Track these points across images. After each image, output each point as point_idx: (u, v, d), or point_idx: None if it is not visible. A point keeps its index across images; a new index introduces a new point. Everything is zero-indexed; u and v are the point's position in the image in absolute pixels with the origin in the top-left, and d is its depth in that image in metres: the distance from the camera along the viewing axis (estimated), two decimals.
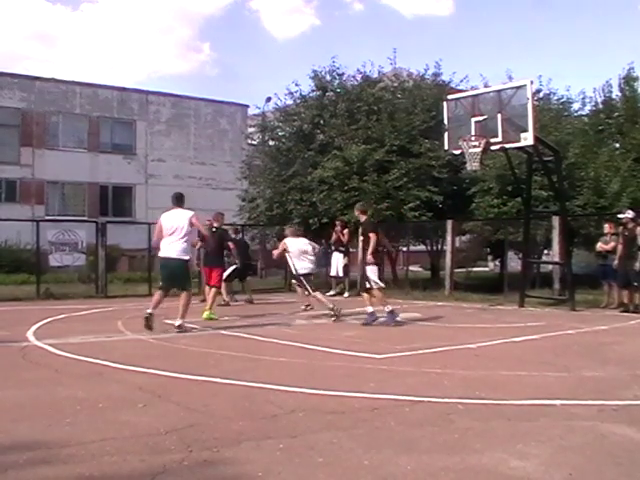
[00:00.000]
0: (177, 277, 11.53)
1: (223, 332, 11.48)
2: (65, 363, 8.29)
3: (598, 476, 4.27)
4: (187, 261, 11.63)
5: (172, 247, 11.33)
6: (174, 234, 11.31)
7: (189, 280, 12.11)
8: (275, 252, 14.62)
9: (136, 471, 4.20)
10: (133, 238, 27.25)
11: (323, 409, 5.78)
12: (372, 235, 12.74)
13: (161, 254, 11.57)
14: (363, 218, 13.57)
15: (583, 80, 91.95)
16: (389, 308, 12.52)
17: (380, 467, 4.30)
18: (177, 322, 11.37)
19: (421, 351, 9.11)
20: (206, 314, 13.60)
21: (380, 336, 11.09)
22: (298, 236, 14.69)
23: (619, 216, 15.34)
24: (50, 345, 9.60)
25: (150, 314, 11.13)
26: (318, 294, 14.14)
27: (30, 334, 10.89)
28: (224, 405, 5.97)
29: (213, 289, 14.31)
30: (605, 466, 4.40)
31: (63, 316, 14.19)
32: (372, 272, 12.77)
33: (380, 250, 13.28)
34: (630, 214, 15.02)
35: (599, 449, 4.74)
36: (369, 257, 12.71)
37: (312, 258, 14.57)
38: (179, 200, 11.79)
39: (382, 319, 12.50)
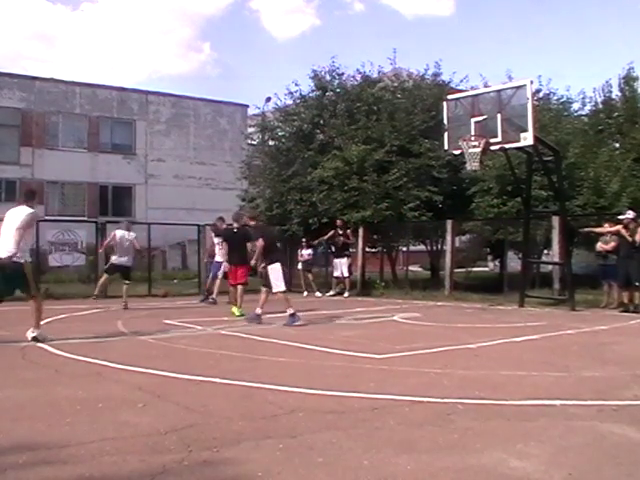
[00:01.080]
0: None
1: (222, 332, 11.48)
2: (65, 363, 8.29)
3: (598, 476, 4.27)
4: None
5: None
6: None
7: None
8: None
9: (136, 471, 4.19)
10: None
11: (323, 409, 5.78)
12: (259, 242, 13.02)
13: None
14: (252, 224, 14.10)
15: (583, 80, 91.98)
16: (291, 311, 12.64)
17: (380, 467, 4.30)
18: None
19: (421, 351, 9.11)
20: (237, 311, 14.20)
21: (380, 336, 11.09)
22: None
23: (619, 217, 15.35)
24: (50, 345, 9.60)
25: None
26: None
27: (30, 334, 10.87)
28: (224, 405, 5.96)
29: (240, 287, 14.69)
30: (605, 466, 4.40)
31: (63, 316, 14.19)
32: (273, 275, 12.90)
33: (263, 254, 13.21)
34: (630, 214, 15.03)
35: (599, 449, 4.74)
36: (267, 260, 13.00)
37: None
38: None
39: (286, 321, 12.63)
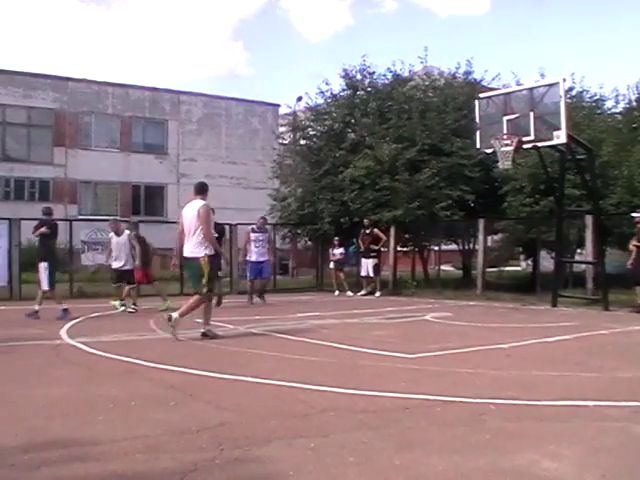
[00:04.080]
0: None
1: (254, 331, 11.50)
2: (98, 361, 8.35)
3: (631, 477, 4.23)
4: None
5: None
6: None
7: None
8: None
9: (168, 469, 4.21)
10: (165, 237, 27.30)
11: (354, 408, 5.77)
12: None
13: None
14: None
15: (617, 78, 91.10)
16: (63, 306, 13.46)
17: (411, 467, 4.29)
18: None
19: (453, 351, 9.06)
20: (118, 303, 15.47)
21: (411, 336, 11.07)
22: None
23: (633, 214, 15.25)
24: (83, 343, 9.68)
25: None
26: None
27: (63, 332, 11.00)
28: (255, 404, 5.97)
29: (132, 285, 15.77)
30: (638, 467, 4.35)
31: (96, 314, 14.32)
32: (42, 272, 13.61)
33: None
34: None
35: (632, 450, 4.69)
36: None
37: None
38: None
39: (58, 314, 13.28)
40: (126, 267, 15.57)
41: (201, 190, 10.99)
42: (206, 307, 10.68)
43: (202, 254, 10.38)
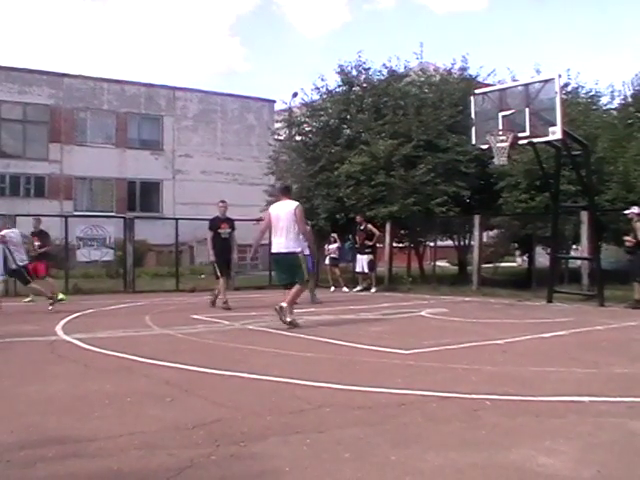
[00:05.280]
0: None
1: (250, 327, 11.51)
2: (93, 357, 8.35)
3: (627, 473, 4.23)
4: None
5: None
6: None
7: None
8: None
9: (163, 465, 4.21)
10: (161, 233, 27.46)
11: (350, 404, 5.77)
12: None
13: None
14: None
15: (612, 74, 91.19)
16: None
17: (407, 463, 4.29)
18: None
19: (448, 347, 9.08)
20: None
21: (407, 331, 11.08)
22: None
23: (625, 212, 15.28)
24: (78, 339, 9.68)
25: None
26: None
27: (59, 328, 11.00)
28: (251, 400, 5.97)
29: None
30: (634, 463, 4.36)
31: (91, 311, 14.32)
32: None
33: None
34: (636, 210, 14.90)
35: (628, 446, 4.69)
36: None
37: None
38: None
39: None
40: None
41: (288, 191, 12.31)
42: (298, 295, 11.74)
43: (299, 249, 11.48)
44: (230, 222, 15.15)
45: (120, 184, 37.76)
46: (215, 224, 14.86)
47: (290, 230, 11.38)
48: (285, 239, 11.40)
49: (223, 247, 14.82)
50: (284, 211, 11.50)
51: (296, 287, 11.45)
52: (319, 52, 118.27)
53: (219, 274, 14.71)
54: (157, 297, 16.37)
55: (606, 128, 21.62)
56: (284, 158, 27.04)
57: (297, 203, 11.77)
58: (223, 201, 15.29)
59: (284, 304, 11.21)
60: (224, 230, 14.87)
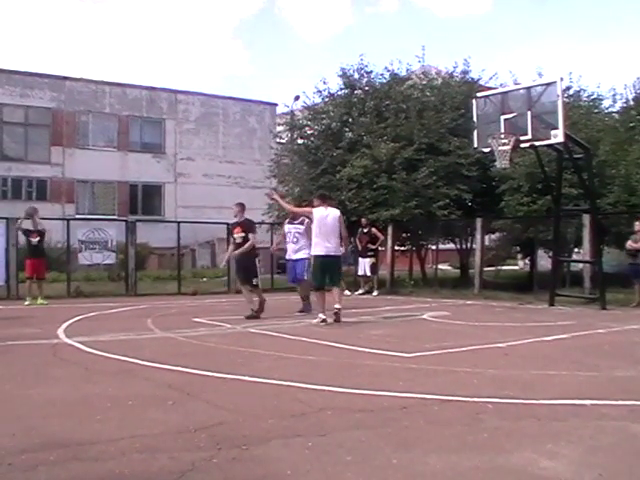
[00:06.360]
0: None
1: (251, 330, 11.49)
2: (95, 360, 8.34)
3: (629, 476, 4.23)
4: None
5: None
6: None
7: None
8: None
9: (165, 468, 4.21)
10: (162, 236, 27.51)
11: (352, 407, 5.77)
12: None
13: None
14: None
15: (614, 77, 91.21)
16: None
17: (409, 466, 4.29)
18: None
19: (450, 350, 9.06)
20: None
21: (409, 335, 11.06)
22: None
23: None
24: (80, 343, 9.67)
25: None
26: None
27: (60, 332, 10.99)
28: (253, 403, 5.97)
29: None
30: (636, 466, 4.35)
31: (93, 314, 14.31)
32: None
33: None
34: None
35: (630, 449, 4.69)
36: None
37: None
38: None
39: None
40: None
41: (328, 198, 13.19)
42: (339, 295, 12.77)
43: (340, 253, 12.72)
44: (243, 225, 13.74)
45: (122, 187, 37.81)
46: (228, 229, 14.83)
47: (336, 235, 12.36)
48: (332, 243, 12.29)
49: None
50: (330, 216, 12.37)
51: (336, 290, 12.58)
52: (321, 55, 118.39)
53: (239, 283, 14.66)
54: (159, 300, 16.36)
55: (608, 131, 21.64)
56: (286, 161, 27.05)
57: (338, 210, 12.92)
58: (236, 204, 14.33)
59: (338, 305, 12.23)
60: (238, 235, 13.66)
